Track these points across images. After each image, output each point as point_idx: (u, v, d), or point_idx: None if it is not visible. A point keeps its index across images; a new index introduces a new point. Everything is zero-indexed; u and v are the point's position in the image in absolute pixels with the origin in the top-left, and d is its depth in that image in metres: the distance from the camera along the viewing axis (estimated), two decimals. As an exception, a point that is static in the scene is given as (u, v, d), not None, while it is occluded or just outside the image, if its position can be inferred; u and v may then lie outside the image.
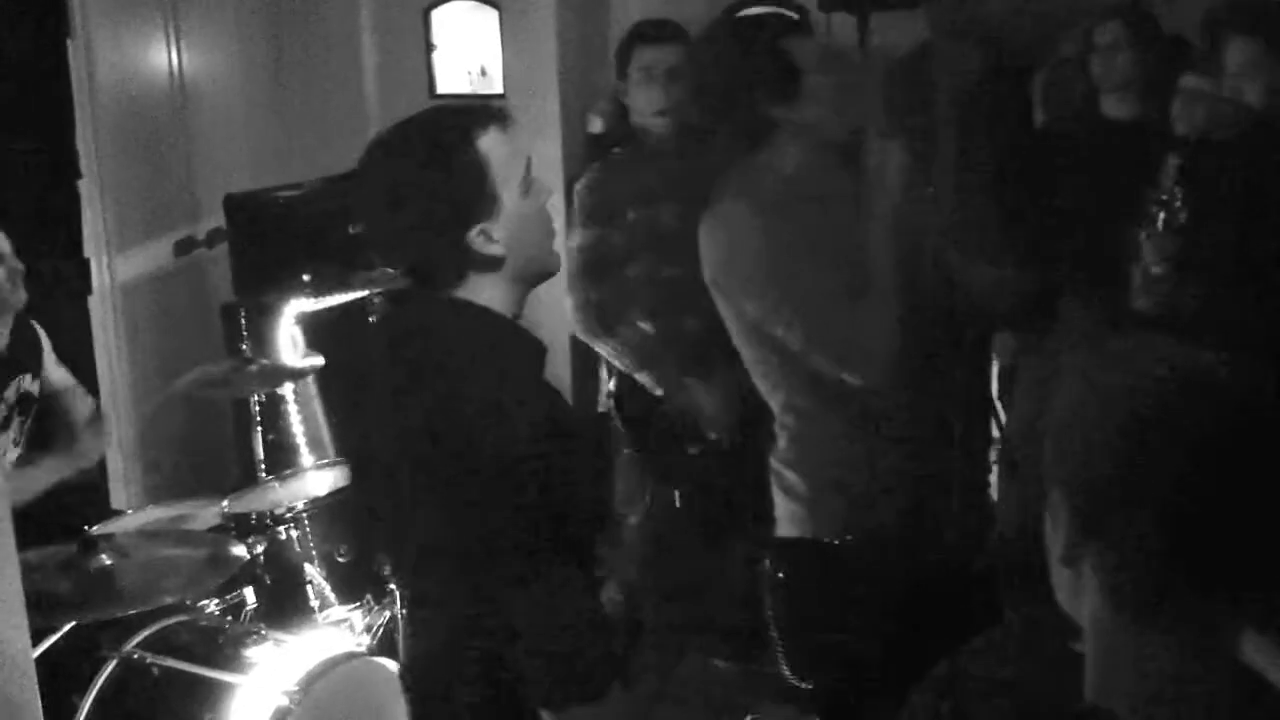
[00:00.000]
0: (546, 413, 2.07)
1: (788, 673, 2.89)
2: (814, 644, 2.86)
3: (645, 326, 3.75)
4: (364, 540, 2.45)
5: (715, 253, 2.73)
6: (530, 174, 2.11)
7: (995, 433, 4.64)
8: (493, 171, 2.04)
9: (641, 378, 3.74)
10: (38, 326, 3.80)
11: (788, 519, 2.86)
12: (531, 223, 2.12)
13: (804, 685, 2.90)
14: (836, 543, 2.79)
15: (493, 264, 2.06)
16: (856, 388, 2.64)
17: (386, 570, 2.48)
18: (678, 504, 3.78)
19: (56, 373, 3.91)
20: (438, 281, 2.08)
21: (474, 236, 2.03)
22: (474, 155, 2.03)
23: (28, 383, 3.71)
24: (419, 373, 2.10)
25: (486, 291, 2.09)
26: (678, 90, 3.72)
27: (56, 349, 3.89)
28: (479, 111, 2.11)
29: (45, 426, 3.89)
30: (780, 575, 2.86)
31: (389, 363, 2.17)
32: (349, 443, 2.32)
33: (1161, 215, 3.35)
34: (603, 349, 3.82)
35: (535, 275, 2.16)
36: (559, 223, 2.47)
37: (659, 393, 3.73)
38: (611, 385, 3.92)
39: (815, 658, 2.86)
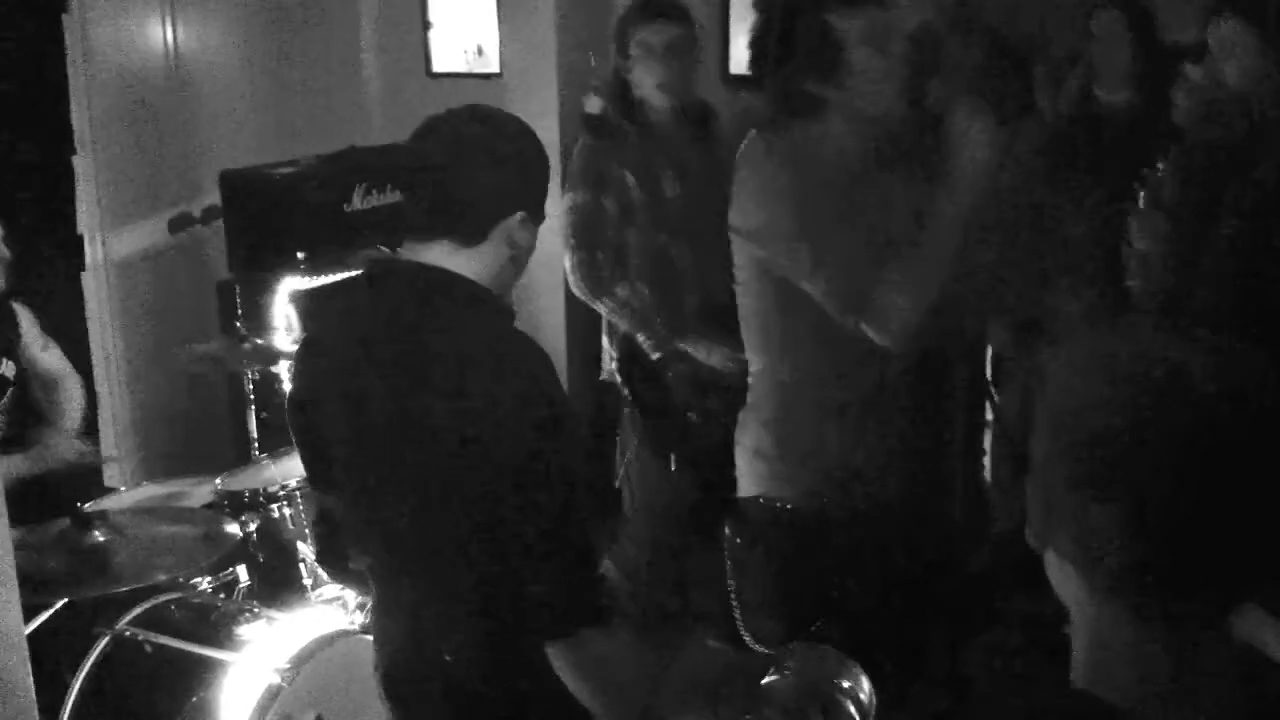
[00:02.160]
0: (536, 384, 2.07)
1: (747, 638, 2.89)
2: (772, 609, 2.85)
3: (641, 288, 3.75)
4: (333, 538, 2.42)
5: (748, 200, 2.70)
6: None
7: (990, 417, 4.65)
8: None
9: (639, 339, 3.76)
10: (18, 308, 3.78)
11: (751, 477, 2.84)
12: None
13: (764, 650, 2.88)
14: (790, 506, 2.77)
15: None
16: (854, 358, 2.62)
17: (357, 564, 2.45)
18: (672, 467, 3.79)
19: (43, 358, 3.89)
20: (470, 242, 2.15)
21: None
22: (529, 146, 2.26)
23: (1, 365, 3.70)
24: (408, 345, 2.11)
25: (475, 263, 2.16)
26: (677, 64, 3.75)
27: (48, 328, 3.88)
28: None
29: (27, 413, 3.88)
30: (738, 539, 2.86)
31: (377, 336, 2.17)
32: (331, 427, 2.29)
33: (1144, 195, 3.35)
34: (600, 308, 3.84)
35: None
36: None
37: (655, 356, 3.75)
38: (614, 351, 3.93)
39: (774, 623, 2.85)
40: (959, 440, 4.34)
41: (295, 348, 2.41)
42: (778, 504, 2.78)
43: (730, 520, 2.87)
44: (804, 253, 2.58)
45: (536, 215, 2.21)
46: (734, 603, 2.89)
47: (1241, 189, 3.20)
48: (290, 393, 2.36)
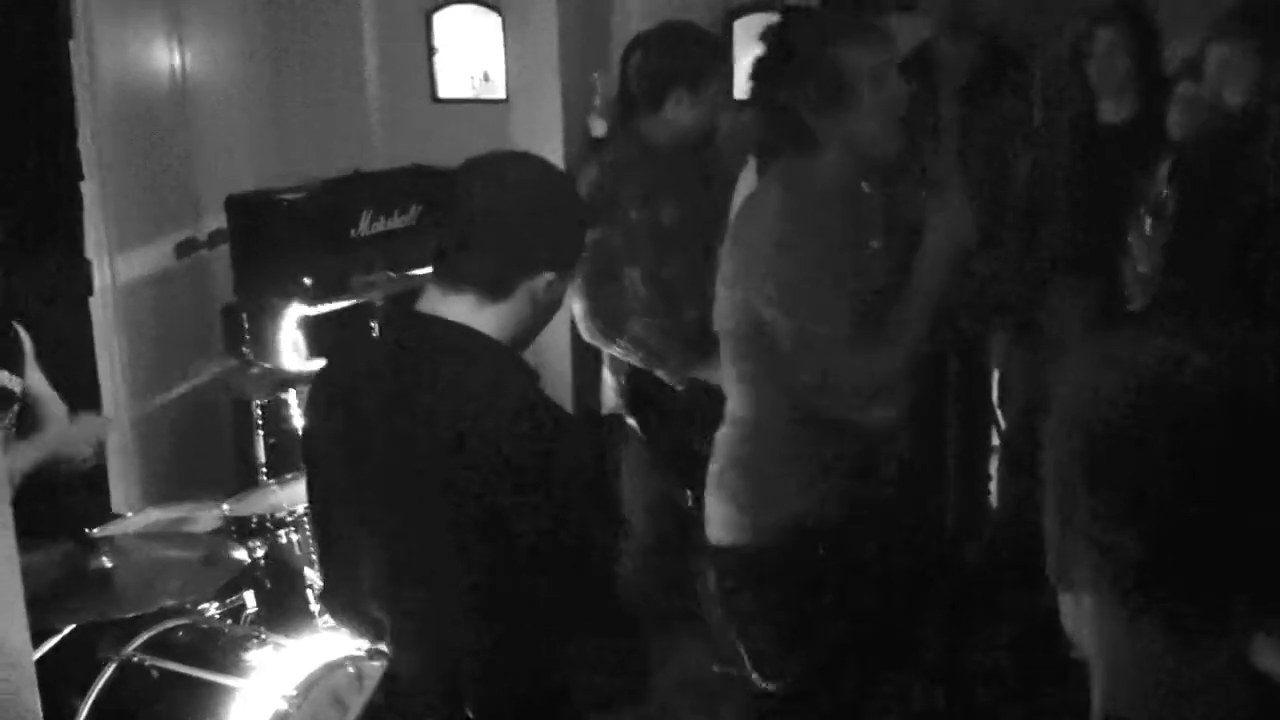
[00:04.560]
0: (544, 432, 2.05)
1: (754, 676, 2.89)
2: (775, 646, 2.86)
3: (652, 322, 3.74)
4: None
5: (740, 255, 2.68)
6: None
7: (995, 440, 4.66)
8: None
9: (658, 372, 3.75)
10: (20, 329, 3.79)
11: (722, 524, 2.83)
12: None
13: (769, 687, 2.89)
14: (771, 549, 2.77)
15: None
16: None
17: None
18: (689, 503, 3.77)
19: (33, 377, 3.90)
20: (495, 298, 2.09)
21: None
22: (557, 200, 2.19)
23: (6, 379, 3.70)
24: (418, 400, 2.08)
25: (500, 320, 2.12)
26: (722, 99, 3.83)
27: (54, 351, 3.87)
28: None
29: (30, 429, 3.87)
30: (727, 585, 2.86)
31: (392, 375, 2.14)
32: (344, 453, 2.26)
33: (1148, 217, 3.37)
34: (615, 350, 3.81)
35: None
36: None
37: (679, 387, 3.74)
38: (622, 382, 3.91)
39: (779, 659, 2.85)
40: (964, 461, 4.35)
41: (307, 389, 2.37)
42: (761, 548, 2.78)
43: (715, 566, 2.89)
44: (781, 303, 2.57)
45: (566, 275, 2.15)
46: (737, 642, 2.89)
47: (1243, 193, 3.22)
48: (302, 435, 2.33)
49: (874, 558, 2.83)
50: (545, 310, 2.16)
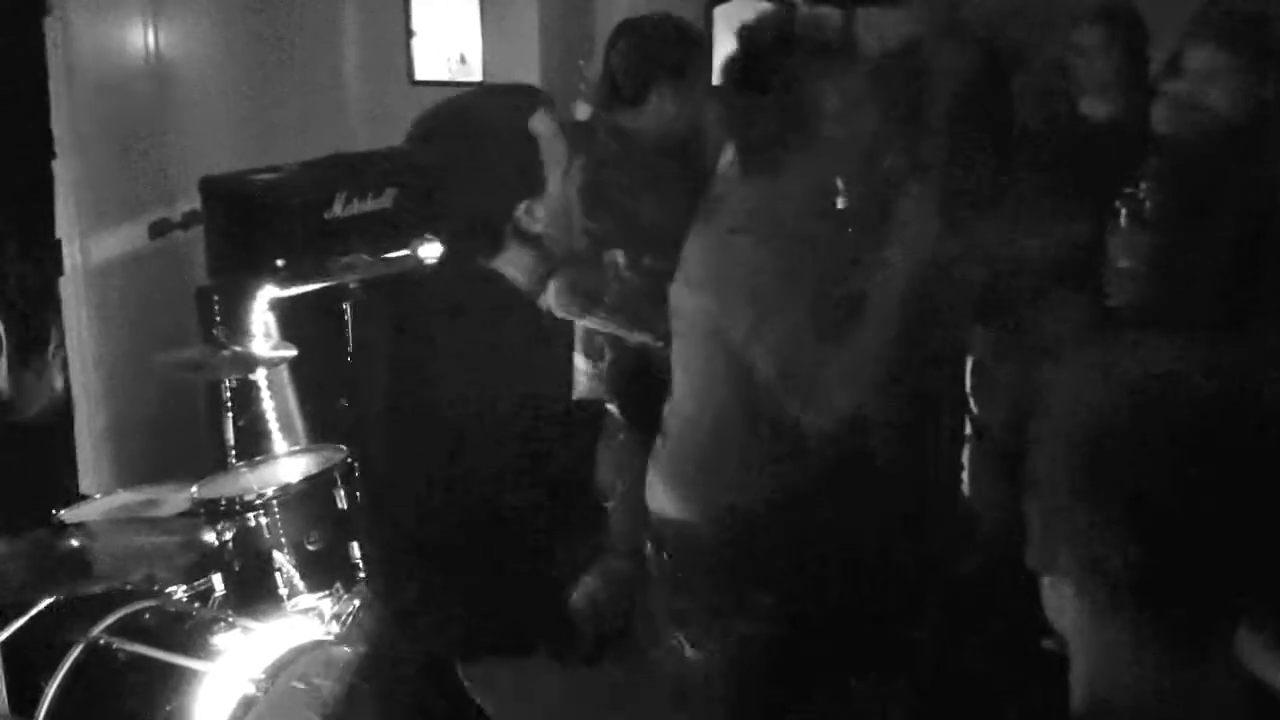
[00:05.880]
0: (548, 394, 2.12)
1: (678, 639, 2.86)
2: (701, 618, 2.84)
3: (630, 289, 3.72)
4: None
5: (706, 263, 2.66)
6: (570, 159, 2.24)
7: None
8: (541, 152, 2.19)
9: (638, 335, 3.72)
10: None
11: (663, 498, 2.83)
12: (568, 204, 2.26)
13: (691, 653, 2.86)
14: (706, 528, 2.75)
15: (532, 240, 2.18)
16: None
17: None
18: None
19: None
20: (475, 253, 2.15)
21: (520, 213, 2.16)
22: (526, 134, 2.17)
23: None
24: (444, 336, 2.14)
25: (514, 266, 2.19)
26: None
27: (26, 332, 3.86)
28: (526, 93, 2.33)
29: None
30: (664, 554, 2.84)
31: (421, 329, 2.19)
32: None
33: (1125, 212, 3.37)
34: (592, 322, 3.79)
35: (562, 255, 2.28)
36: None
37: (660, 344, 3.72)
38: (604, 367, 3.89)
39: (703, 629, 2.83)
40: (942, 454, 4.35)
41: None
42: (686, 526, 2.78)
43: (656, 538, 2.88)
44: (748, 321, 2.54)
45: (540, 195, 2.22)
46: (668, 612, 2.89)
47: (1238, 188, 3.23)
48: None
49: (813, 549, 2.82)
50: (561, 223, 2.25)
